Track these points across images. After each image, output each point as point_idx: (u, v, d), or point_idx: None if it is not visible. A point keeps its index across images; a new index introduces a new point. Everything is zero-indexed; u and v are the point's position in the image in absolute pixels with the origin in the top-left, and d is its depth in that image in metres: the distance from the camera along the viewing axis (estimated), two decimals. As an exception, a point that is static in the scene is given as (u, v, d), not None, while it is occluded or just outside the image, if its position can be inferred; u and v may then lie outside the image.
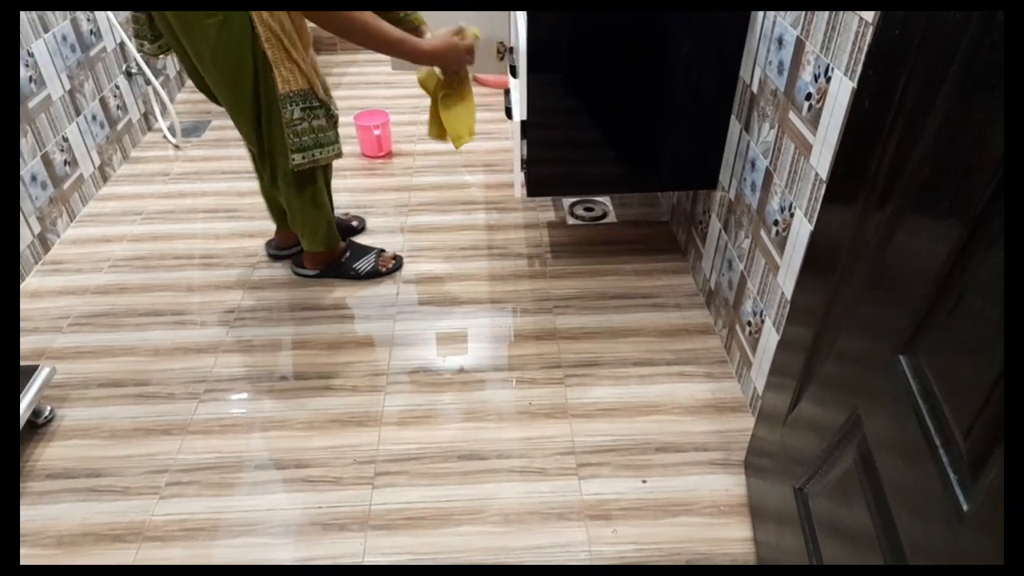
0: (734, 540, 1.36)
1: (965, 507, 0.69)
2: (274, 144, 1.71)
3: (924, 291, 0.80)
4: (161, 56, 1.78)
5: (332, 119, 1.73)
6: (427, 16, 1.80)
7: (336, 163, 1.88)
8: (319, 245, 1.96)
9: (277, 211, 2.01)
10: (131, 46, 2.60)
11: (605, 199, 2.37)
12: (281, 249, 2.12)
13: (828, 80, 1.22)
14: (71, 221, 2.30)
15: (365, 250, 2.08)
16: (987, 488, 0.67)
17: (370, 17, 1.55)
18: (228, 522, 1.42)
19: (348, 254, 2.05)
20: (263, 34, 1.53)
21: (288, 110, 1.63)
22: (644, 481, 1.47)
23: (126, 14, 2.67)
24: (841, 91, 1.18)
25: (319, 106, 1.68)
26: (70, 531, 1.41)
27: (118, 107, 2.60)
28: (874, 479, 0.90)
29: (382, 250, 2.09)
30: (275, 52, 1.56)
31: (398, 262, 2.09)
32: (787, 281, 1.40)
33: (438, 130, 1.86)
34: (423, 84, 1.83)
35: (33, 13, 2.12)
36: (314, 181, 1.82)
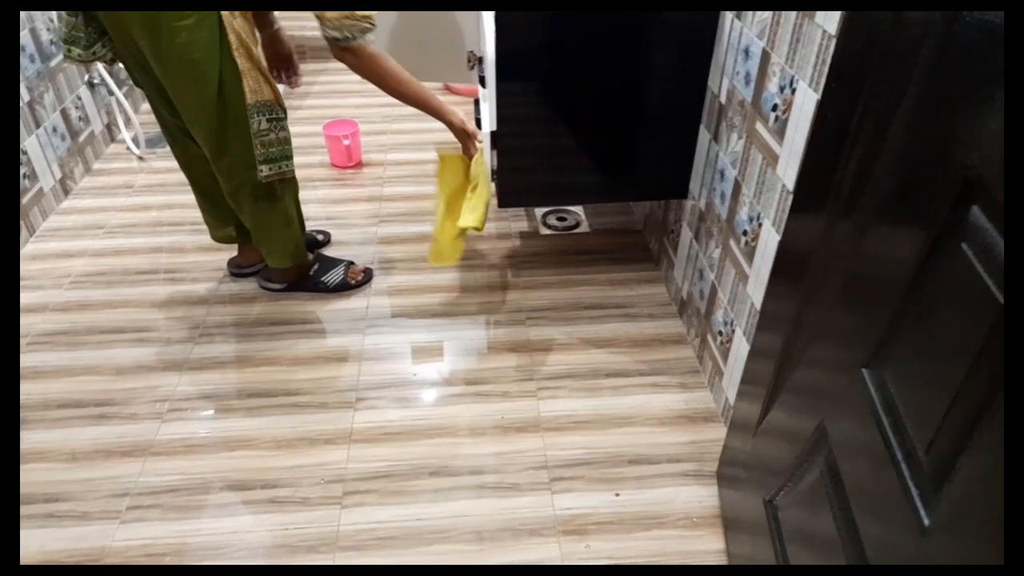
0: (707, 552, 1.35)
1: (927, 521, 0.68)
2: (238, 157, 1.66)
3: (888, 303, 0.79)
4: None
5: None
6: (404, 15, 1.82)
7: (305, 174, 1.85)
8: (286, 261, 1.92)
9: (241, 228, 1.96)
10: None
11: (578, 209, 2.36)
12: (243, 267, 2.07)
13: (793, 91, 1.23)
14: (31, 236, 2.24)
15: (334, 262, 2.04)
16: (948, 502, 0.67)
17: (397, 68, 1.65)
18: (192, 546, 1.38)
19: (316, 267, 2.01)
20: (234, 42, 1.49)
21: (256, 120, 1.60)
22: (617, 494, 1.46)
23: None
24: (806, 102, 1.18)
25: (283, 117, 1.67)
26: (28, 559, 1.36)
27: (80, 118, 2.54)
28: (840, 491, 0.90)
29: (351, 262, 2.06)
30: (244, 61, 1.53)
31: (368, 274, 2.06)
32: (756, 291, 1.40)
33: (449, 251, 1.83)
34: (447, 170, 1.83)
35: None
36: (282, 196, 1.78)
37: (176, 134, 1.75)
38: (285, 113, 1.67)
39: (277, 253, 1.90)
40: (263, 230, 1.84)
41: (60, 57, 2.43)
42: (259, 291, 2.02)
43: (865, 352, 0.84)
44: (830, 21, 1.10)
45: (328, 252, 2.13)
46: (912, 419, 0.74)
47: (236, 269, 2.08)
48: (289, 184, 1.80)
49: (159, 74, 1.55)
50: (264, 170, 1.67)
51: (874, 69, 0.88)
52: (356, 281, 2.02)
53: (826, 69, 1.12)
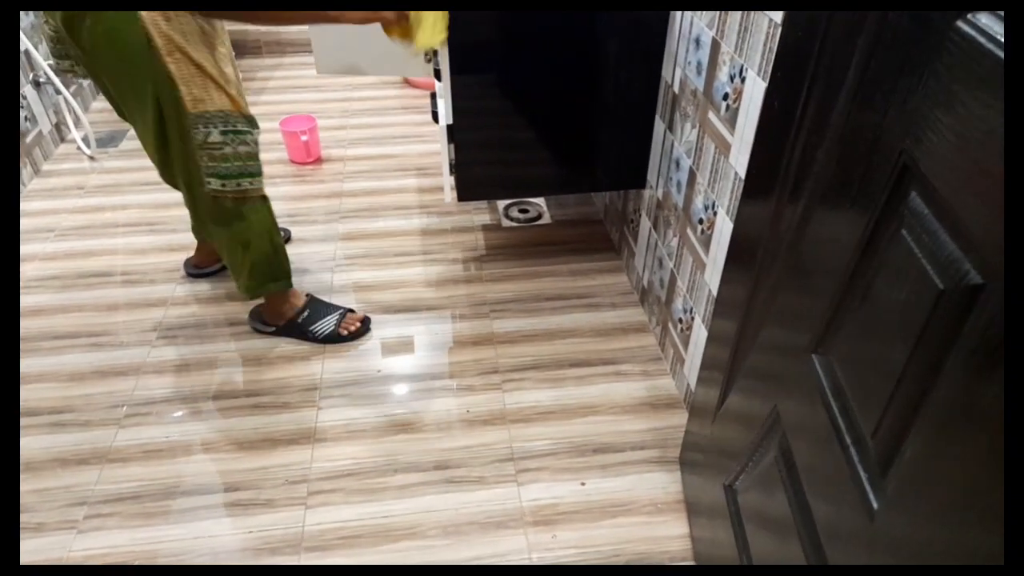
0: (672, 538, 1.37)
1: (875, 504, 0.70)
2: (189, 172, 1.52)
3: (833, 288, 0.81)
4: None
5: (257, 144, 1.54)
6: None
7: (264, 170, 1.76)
8: (248, 290, 1.73)
9: (194, 226, 1.92)
10: (36, 55, 2.47)
11: (540, 200, 2.37)
12: (201, 268, 2.02)
13: (743, 80, 1.24)
14: (-22, 241, 2.17)
15: (327, 309, 1.85)
16: (895, 484, 0.68)
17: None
18: (154, 553, 1.36)
19: (306, 313, 1.82)
20: (163, 47, 1.33)
21: (201, 132, 1.43)
22: (583, 483, 1.47)
23: (31, 21, 2.54)
24: (755, 91, 1.19)
25: (246, 131, 1.49)
26: (-19, 574, 1.32)
27: (26, 118, 2.46)
28: (793, 474, 0.92)
29: (349, 310, 1.86)
30: (181, 67, 1.36)
31: (365, 324, 1.85)
32: (713, 278, 1.42)
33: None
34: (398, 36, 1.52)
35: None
36: (239, 217, 1.59)
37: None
38: (251, 125, 1.51)
39: (240, 283, 1.73)
40: (221, 251, 1.71)
41: None
42: (217, 292, 1.99)
43: (813, 337, 0.86)
44: (775, 12, 1.11)
45: (290, 250, 2.06)
46: (859, 403, 0.75)
47: (194, 270, 2.03)
48: (253, 205, 1.60)
49: (108, 86, 1.47)
50: (214, 183, 1.50)
51: (816, 57, 0.89)
52: (348, 332, 1.82)
53: (773, 58, 1.14)
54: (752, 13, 1.19)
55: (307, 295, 1.87)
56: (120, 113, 1.60)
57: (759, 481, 1.03)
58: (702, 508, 1.32)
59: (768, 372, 1.00)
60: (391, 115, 2.91)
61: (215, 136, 1.45)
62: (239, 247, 1.65)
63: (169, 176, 1.63)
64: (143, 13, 1.31)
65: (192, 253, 2.04)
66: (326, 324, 1.83)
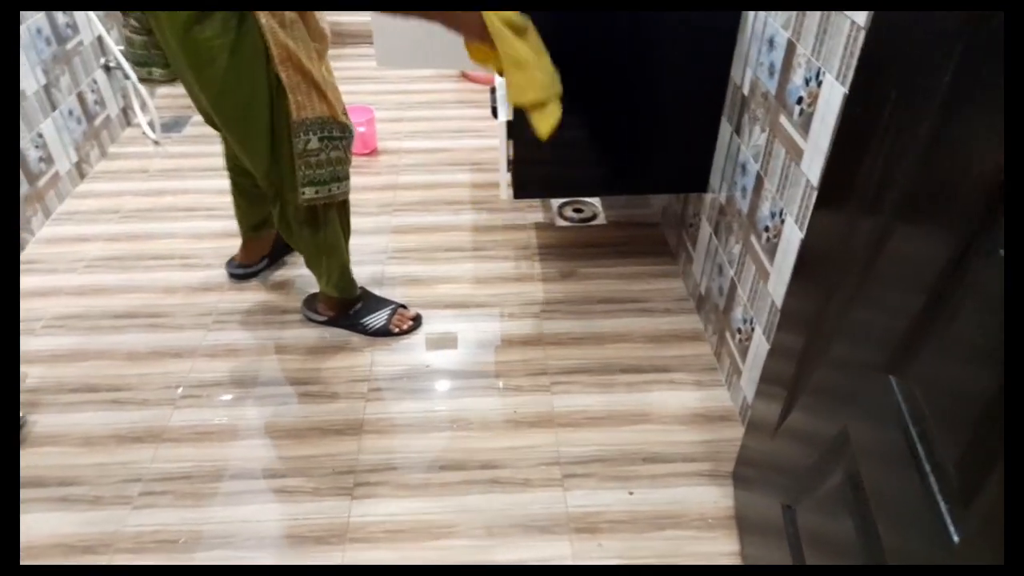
0: (721, 555, 1.33)
1: (956, 538, 0.66)
2: (284, 179, 1.54)
3: (915, 307, 0.77)
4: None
5: (350, 150, 1.57)
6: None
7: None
8: (332, 290, 1.78)
9: (247, 219, 1.92)
10: (108, 39, 2.54)
11: (595, 200, 2.33)
12: (247, 266, 2.00)
13: (819, 84, 1.19)
14: (46, 219, 2.24)
15: (380, 304, 1.86)
16: (979, 518, 0.64)
17: None
18: (203, 534, 1.38)
19: (359, 306, 1.84)
20: (277, 55, 1.35)
21: (302, 139, 1.45)
22: (631, 493, 1.44)
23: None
24: (833, 96, 1.14)
25: (340, 137, 1.51)
26: (39, 543, 1.36)
27: (96, 102, 2.54)
28: (861, 498, 0.87)
29: (401, 305, 1.87)
30: (290, 75, 1.38)
31: (417, 322, 1.86)
32: (778, 289, 1.37)
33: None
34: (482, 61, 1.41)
35: (6, 6, 2.06)
36: (327, 222, 1.63)
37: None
38: (344, 131, 1.52)
39: (322, 281, 1.78)
40: (308, 256, 1.73)
41: (76, 40, 2.43)
42: (272, 279, 2.01)
43: (890, 357, 0.81)
44: (858, 12, 1.06)
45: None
46: (941, 430, 0.71)
47: (238, 269, 2.00)
48: (339, 209, 1.65)
49: (206, 102, 1.45)
50: (308, 192, 1.52)
51: (904, 63, 0.84)
52: (399, 329, 1.83)
53: (854, 62, 1.08)
54: (831, 14, 1.14)
55: (361, 288, 1.88)
56: (212, 122, 1.59)
57: (822, 504, 0.98)
58: (755, 526, 1.27)
59: (838, 391, 0.96)
60: (447, 108, 2.91)
61: (313, 143, 1.47)
62: (326, 251, 1.69)
63: (273, 181, 1.57)
64: (262, 22, 1.32)
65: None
66: (378, 318, 1.83)
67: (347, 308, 1.83)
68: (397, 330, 1.83)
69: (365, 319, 1.83)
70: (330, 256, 1.70)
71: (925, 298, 0.75)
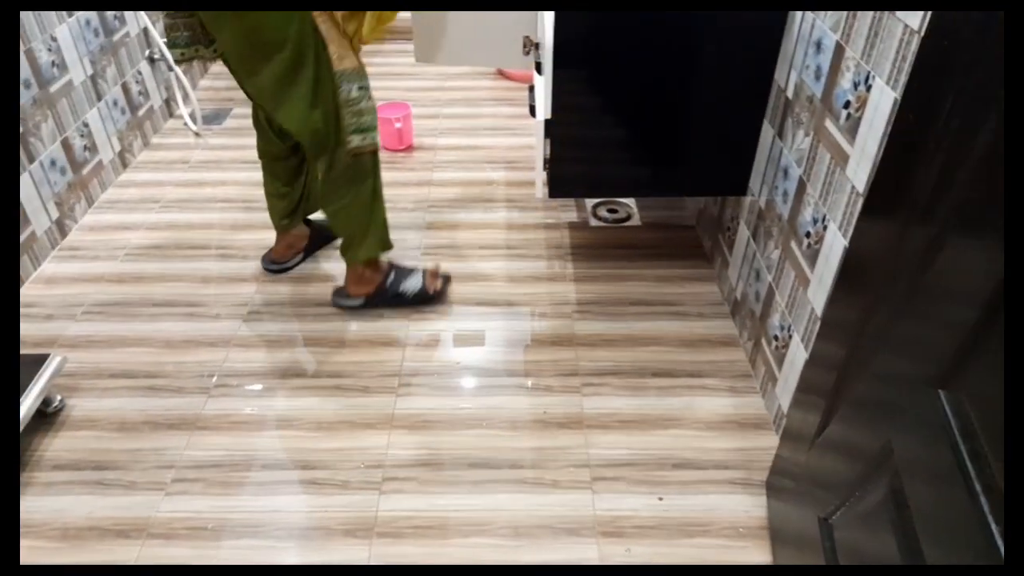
0: (752, 565, 1.31)
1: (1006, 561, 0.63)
2: (329, 133, 1.58)
3: (969, 320, 0.74)
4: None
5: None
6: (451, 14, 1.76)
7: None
8: (375, 248, 1.79)
9: (281, 214, 1.94)
10: (154, 32, 2.59)
11: (630, 201, 2.31)
12: (280, 262, 2.01)
13: (868, 88, 1.16)
14: (89, 207, 2.29)
15: (408, 271, 1.89)
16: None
17: None
18: (232, 523, 1.39)
19: (392, 275, 1.87)
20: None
21: (346, 88, 1.53)
22: (660, 498, 1.43)
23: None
24: (883, 101, 1.11)
25: (367, 87, 1.60)
26: (75, 524, 1.39)
27: (140, 93, 2.59)
28: (905, 516, 0.85)
29: (426, 269, 1.90)
30: (329, 28, 1.46)
31: (447, 282, 1.92)
32: (818, 296, 1.34)
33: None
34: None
35: (57, -3, 2.11)
36: (374, 171, 1.69)
37: (265, 127, 1.78)
38: (367, 81, 1.60)
39: (369, 240, 1.77)
40: (354, 215, 1.74)
41: (123, 32, 2.48)
42: (307, 271, 2.03)
43: (939, 371, 0.79)
44: (912, 16, 1.03)
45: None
46: (993, 448, 0.69)
47: (272, 265, 2.02)
48: (376, 159, 1.71)
49: (252, 60, 1.50)
50: (355, 140, 1.59)
51: (963, 68, 0.81)
52: (435, 289, 1.87)
53: (906, 66, 1.05)
54: (884, 17, 1.11)
55: (387, 261, 1.89)
56: (248, 92, 1.66)
57: (862, 519, 0.96)
58: (789, 538, 1.25)
59: (881, 403, 0.93)
60: (483, 106, 2.91)
61: (355, 92, 1.55)
62: (373, 200, 1.72)
63: (318, 139, 1.60)
64: None
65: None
66: (413, 283, 1.87)
67: (380, 284, 1.85)
68: (433, 292, 1.87)
69: (402, 287, 1.86)
70: (375, 206, 1.74)
71: (980, 311, 0.72)
